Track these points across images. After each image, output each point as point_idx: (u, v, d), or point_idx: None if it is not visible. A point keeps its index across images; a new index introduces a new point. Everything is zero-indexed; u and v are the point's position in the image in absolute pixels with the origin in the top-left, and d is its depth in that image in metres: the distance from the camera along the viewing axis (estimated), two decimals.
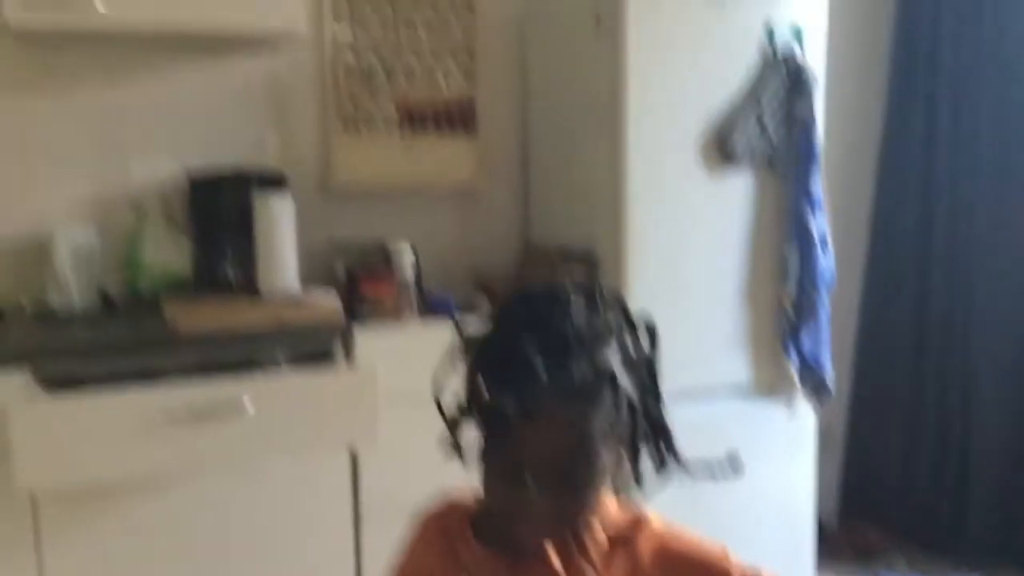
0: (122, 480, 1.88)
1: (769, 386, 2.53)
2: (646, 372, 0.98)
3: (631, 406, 0.94)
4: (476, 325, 1.02)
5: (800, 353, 2.47)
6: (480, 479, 0.97)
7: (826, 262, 2.46)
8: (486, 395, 0.93)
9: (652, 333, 1.01)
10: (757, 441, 2.47)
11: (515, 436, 0.91)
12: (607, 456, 0.94)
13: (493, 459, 0.94)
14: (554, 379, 0.89)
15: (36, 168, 2.38)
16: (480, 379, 0.95)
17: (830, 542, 3.11)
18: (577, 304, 0.96)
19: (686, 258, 2.41)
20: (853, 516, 3.29)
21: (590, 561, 0.99)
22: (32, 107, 2.36)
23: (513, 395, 0.89)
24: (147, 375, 1.98)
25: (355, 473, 2.14)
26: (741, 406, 2.50)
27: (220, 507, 2.02)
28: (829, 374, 2.50)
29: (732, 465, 1.04)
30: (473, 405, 0.96)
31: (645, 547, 1.02)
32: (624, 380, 0.94)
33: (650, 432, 0.97)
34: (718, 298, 2.45)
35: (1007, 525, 2.96)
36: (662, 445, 0.99)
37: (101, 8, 2.02)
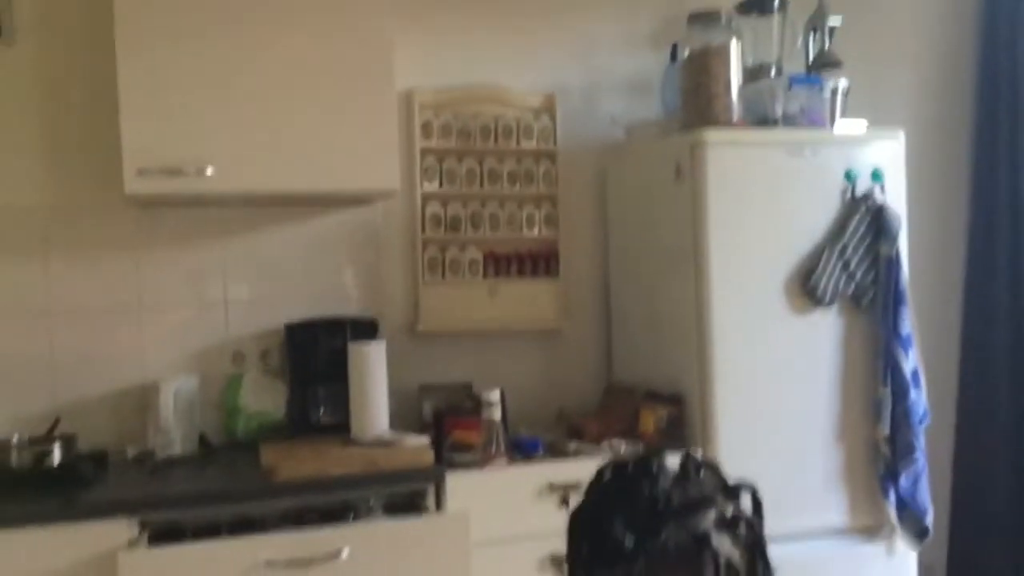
0: None
1: (867, 527, 2.46)
2: (747, 532, 0.97)
3: (732, 568, 0.93)
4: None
5: (897, 493, 2.40)
6: None
7: (919, 399, 2.42)
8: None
9: (754, 495, 1.01)
10: None
11: None
12: None
13: None
14: (647, 551, 0.90)
15: (141, 321, 2.50)
16: (578, 554, 0.96)
17: None
18: (667, 472, 0.96)
19: (775, 399, 2.39)
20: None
21: None
22: (139, 263, 2.50)
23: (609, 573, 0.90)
24: (245, 523, 2.03)
25: None
26: (839, 547, 2.44)
27: None
28: (928, 513, 2.43)
29: None
30: None
31: None
32: (722, 543, 0.93)
33: None
34: (810, 439, 2.42)
35: None
36: None
37: (211, 173, 2.16)
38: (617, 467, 1.00)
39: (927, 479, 2.44)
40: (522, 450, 2.34)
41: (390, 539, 1.97)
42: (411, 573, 1.95)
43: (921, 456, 2.41)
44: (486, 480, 2.23)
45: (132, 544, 1.88)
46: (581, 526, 0.97)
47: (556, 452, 2.37)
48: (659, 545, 0.89)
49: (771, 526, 2.63)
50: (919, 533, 2.42)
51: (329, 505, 2.11)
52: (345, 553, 1.90)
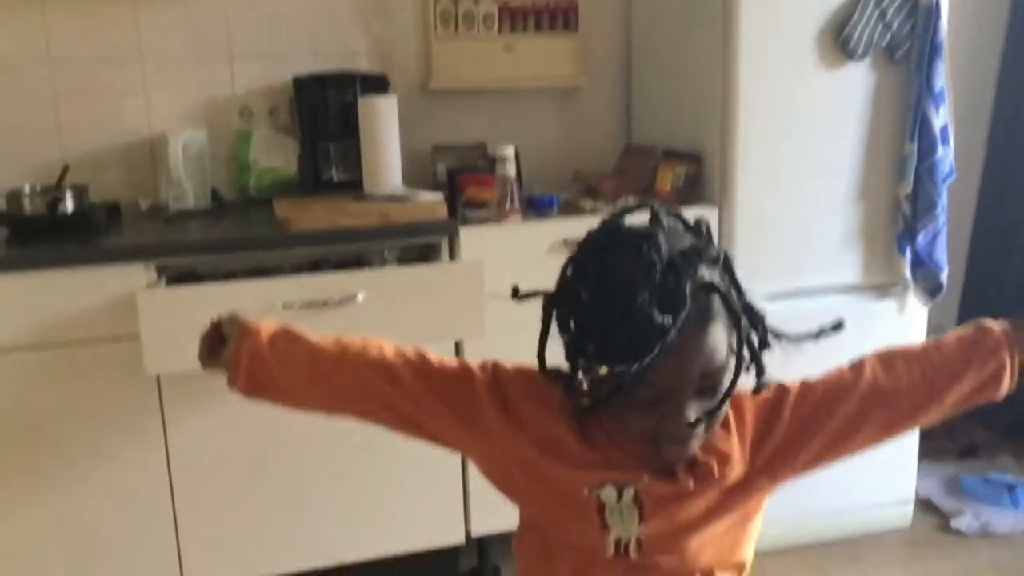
0: None
1: (880, 285, 2.46)
2: (724, 267, 0.95)
3: (731, 306, 0.91)
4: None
5: (914, 250, 2.39)
6: (600, 407, 0.93)
7: (946, 156, 2.35)
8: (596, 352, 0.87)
9: (708, 230, 0.99)
10: (866, 338, 2.39)
11: (647, 377, 0.87)
12: (731, 359, 0.92)
13: (624, 396, 0.89)
14: (676, 321, 0.85)
15: (147, 75, 2.42)
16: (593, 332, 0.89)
17: (934, 440, 3.06)
18: (661, 235, 0.91)
19: (797, 156, 2.33)
20: (959, 416, 3.22)
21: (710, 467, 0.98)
22: (142, 17, 2.39)
23: (636, 356, 0.84)
24: (261, 271, 2.04)
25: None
26: (851, 303, 2.44)
27: None
28: (943, 270, 2.42)
29: (833, 327, 0.99)
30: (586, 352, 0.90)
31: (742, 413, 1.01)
32: (722, 284, 0.92)
33: (748, 322, 0.94)
34: (830, 197, 2.38)
35: None
36: (760, 329, 0.96)
37: None
38: (613, 232, 0.94)
39: (945, 238, 2.42)
40: (537, 207, 2.32)
41: (405, 285, 1.98)
42: (427, 318, 1.97)
43: (942, 214, 2.37)
44: (500, 235, 2.22)
45: (151, 286, 1.90)
46: (592, 310, 0.89)
47: (571, 210, 2.36)
48: (683, 311, 0.85)
49: (786, 282, 2.66)
50: (932, 290, 2.42)
51: (343, 257, 2.13)
52: (360, 297, 1.91)
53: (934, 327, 2.67)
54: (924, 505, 2.77)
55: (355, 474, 2.13)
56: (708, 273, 0.89)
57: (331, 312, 1.90)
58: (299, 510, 2.13)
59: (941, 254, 2.40)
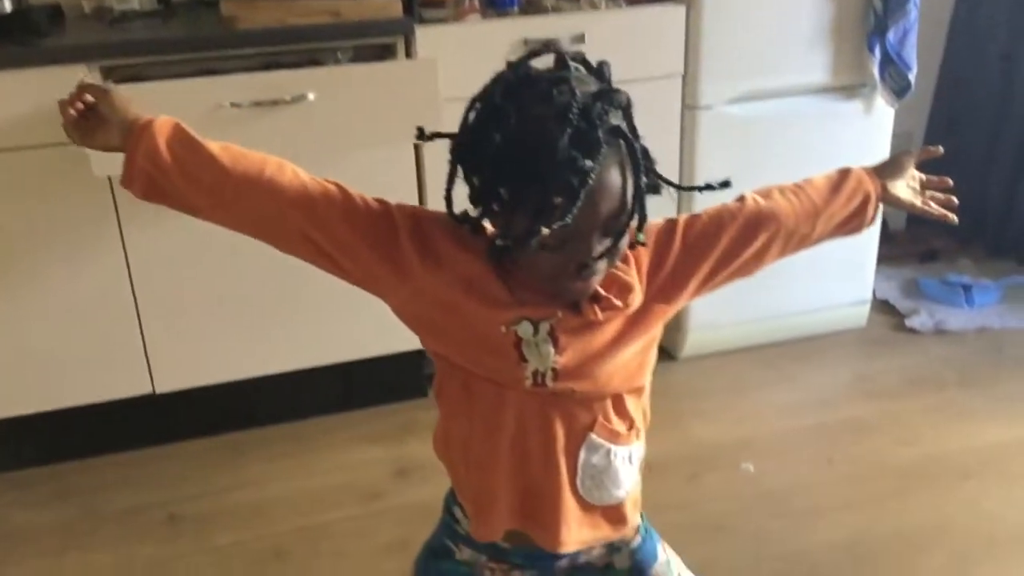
0: None
1: (849, 86, 2.42)
2: (626, 111, 0.94)
3: (635, 150, 0.91)
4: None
5: (884, 48, 2.33)
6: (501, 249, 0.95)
7: None
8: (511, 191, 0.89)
9: (610, 73, 0.97)
10: (831, 139, 2.40)
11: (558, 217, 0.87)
12: (631, 201, 0.93)
13: (535, 237, 0.89)
14: (595, 165, 0.86)
15: None
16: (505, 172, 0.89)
17: (895, 244, 3.11)
18: (572, 79, 0.90)
19: None
20: (921, 223, 3.26)
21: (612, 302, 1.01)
22: None
23: (567, 204, 0.85)
24: (209, 72, 1.98)
25: (419, 166, 2.14)
26: (817, 104, 2.41)
27: None
28: (911, 70, 2.37)
29: (721, 184, 1.01)
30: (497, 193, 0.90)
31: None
32: (627, 129, 0.92)
33: (644, 163, 0.94)
34: None
35: None
36: (652, 175, 0.97)
37: None
38: (527, 87, 0.90)
39: (915, 38, 2.36)
40: (497, 6, 2.24)
41: (358, 83, 1.93)
42: (380, 117, 1.94)
43: (914, 9, 2.30)
44: (458, 34, 2.15)
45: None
46: (509, 151, 0.88)
47: (533, 8, 2.27)
48: (600, 155, 0.86)
49: (753, 83, 2.61)
50: (900, 90, 2.39)
51: (295, 59, 2.06)
52: (311, 96, 1.87)
53: (904, 136, 2.66)
54: (882, 306, 2.85)
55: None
56: (615, 117, 0.91)
57: (281, 112, 1.86)
58: (270, 311, 2.16)
59: (911, 52, 2.35)
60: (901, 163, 1.19)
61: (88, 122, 1.03)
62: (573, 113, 0.86)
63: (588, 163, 0.85)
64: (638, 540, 1.20)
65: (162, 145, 0.99)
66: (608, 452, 1.07)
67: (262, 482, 2.14)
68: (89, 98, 1.03)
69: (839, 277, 2.65)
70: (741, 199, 1.11)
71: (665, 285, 1.05)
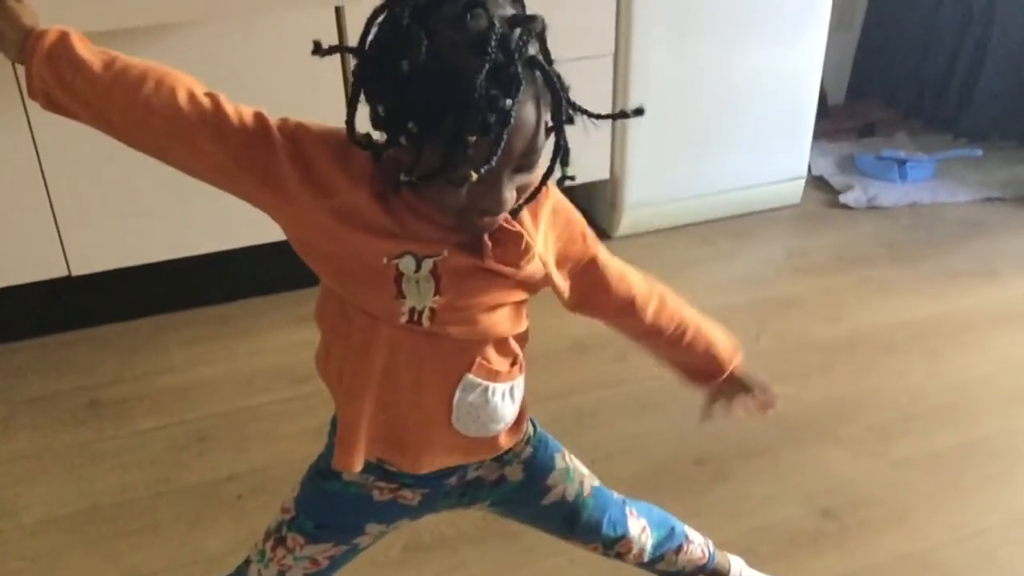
0: (116, 29, 1.78)
1: None
2: (541, 37, 0.86)
3: (553, 82, 0.84)
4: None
5: None
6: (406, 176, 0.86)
7: None
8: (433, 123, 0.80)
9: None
10: (768, 11, 2.33)
11: (475, 152, 0.80)
12: (544, 136, 0.87)
13: (439, 175, 0.83)
14: (515, 103, 0.79)
15: None
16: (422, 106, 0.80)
17: (833, 117, 3.09)
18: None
19: None
20: (861, 97, 3.25)
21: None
22: None
23: (479, 132, 0.78)
24: None
25: (340, 27, 2.01)
26: None
27: (215, 59, 1.94)
28: None
29: (634, 111, 0.93)
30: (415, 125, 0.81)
31: (544, 202, 0.98)
32: (541, 57, 0.84)
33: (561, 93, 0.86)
34: None
35: (1014, 111, 2.93)
36: (567, 105, 0.87)
37: None
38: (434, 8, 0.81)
39: None
40: None
41: None
42: None
43: None
44: None
45: None
46: (418, 83, 0.80)
47: None
48: (517, 87, 0.79)
49: None
50: None
51: None
52: None
53: (840, 5, 2.58)
54: (817, 183, 2.84)
55: None
56: (532, 46, 0.82)
57: None
58: (191, 189, 2.06)
59: None
60: (760, 385, 1.20)
61: None
62: (491, 45, 0.78)
63: (508, 102, 0.78)
64: (528, 450, 1.16)
65: (44, 61, 0.91)
66: (486, 390, 1.02)
67: (186, 367, 2.10)
68: None
69: (775, 152, 2.63)
70: (648, 293, 1.11)
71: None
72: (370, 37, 0.85)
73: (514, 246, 0.93)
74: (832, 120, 3.08)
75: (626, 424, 1.93)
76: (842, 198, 2.76)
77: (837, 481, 1.77)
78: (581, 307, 1.10)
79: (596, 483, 1.25)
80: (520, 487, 1.17)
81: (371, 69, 0.84)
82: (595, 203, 2.58)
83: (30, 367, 2.09)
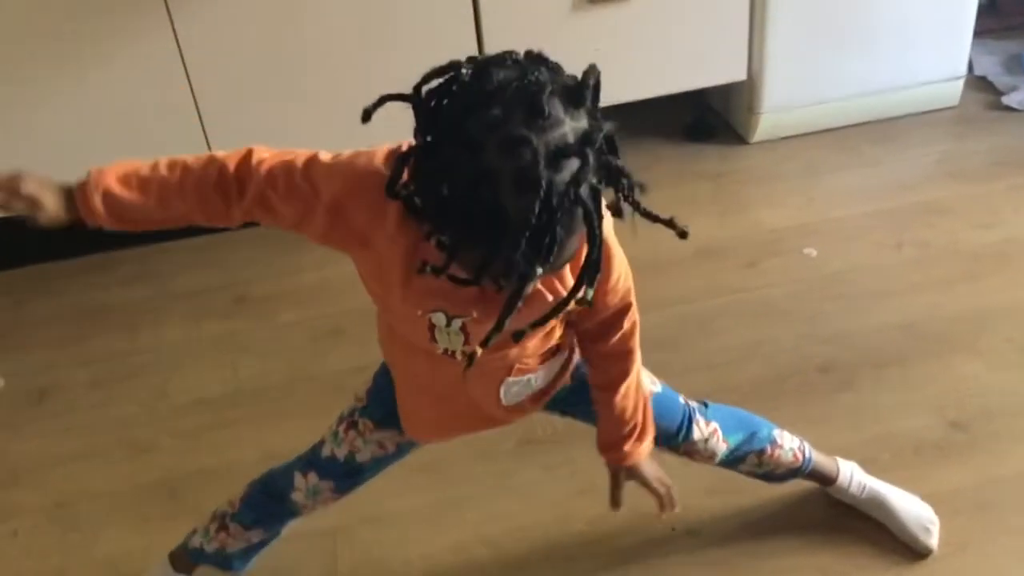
0: None
1: None
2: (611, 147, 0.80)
3: (592, 219, 0.77)
4: None
5: None
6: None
7: None
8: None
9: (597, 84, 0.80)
10: None
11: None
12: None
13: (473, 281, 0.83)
14: (544, 267, 0.77)
15: None
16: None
17: (1001, 12, 2.85)
18: (538, 139, 0.73)
19: None
20: None
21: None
22: None
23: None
24: None
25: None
26: None
27: None
28: None
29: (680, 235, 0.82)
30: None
31: None
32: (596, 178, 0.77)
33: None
34: None
35: None
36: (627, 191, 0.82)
37: None
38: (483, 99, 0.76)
39: None
40: None
41: None
42: None
43: None
44: None
45: None
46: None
47: None
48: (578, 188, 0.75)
49: None
50: None
51: None
52: None
53: None
54: (978, 84, 2.64)
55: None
56: (585, 181, 0.75)
57: None
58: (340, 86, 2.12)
59: None
60: (655, 490, 1.22)
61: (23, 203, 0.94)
62: (536, 205, 0.72)
63: (539, 270, 0.75)
64: (576, 359, 1.19)
65: (100, 209, 0.96)
66: (529, 380, 1.11)
67: (324, 264, 2.19)
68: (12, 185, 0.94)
69: (930, 50, 2.45)
70: (611, 385, 1.13)
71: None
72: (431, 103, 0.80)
73: (540, 305, 0.91)
74: (999, 15, 2.83)
75: (748, 331, 1.90)
76: (1005, 99, 2.55)
77: (970, 392, 1.69)
78: (582, 323, 1.10)
79: (657, 389, 1.26)
80: (570, 392, 1.21)
81: (418, 158, 0.82)
82: (731, 106, 2.48)
83: (182, 265, 2.25)
